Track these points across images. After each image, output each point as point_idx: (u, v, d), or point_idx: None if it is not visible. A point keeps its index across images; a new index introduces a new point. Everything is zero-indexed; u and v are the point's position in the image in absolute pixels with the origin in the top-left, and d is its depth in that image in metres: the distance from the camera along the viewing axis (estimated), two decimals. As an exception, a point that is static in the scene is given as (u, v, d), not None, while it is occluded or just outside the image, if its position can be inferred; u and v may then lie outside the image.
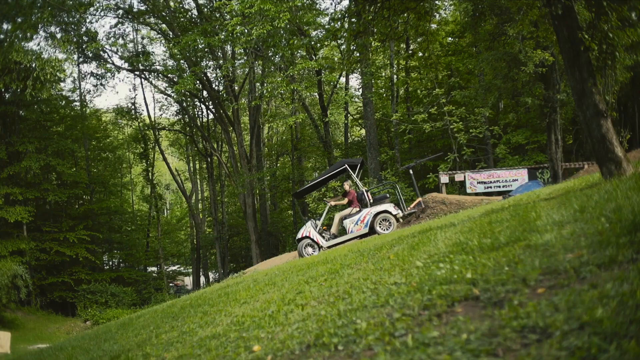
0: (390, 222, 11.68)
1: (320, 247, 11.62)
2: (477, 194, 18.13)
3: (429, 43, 20.72)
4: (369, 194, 12.25)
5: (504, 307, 2.18)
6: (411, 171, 14.60)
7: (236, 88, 27.75)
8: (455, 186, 20.67)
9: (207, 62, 27.96)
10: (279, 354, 2.52)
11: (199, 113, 34.47)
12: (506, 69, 17.16)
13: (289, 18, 19.17)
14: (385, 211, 11.69)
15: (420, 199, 13.27)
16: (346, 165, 12.41)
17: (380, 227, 11.54)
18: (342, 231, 11.90)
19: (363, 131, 30.46)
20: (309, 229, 11.85)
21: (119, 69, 30.13)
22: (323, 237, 11.79)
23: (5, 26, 23.66)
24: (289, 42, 22.73)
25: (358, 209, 11.91)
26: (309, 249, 11.62)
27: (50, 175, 29.65)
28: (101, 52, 28.41)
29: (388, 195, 13.05)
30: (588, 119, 5.45)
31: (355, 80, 33.12)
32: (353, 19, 8.28)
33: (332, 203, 12.69)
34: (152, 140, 34.16)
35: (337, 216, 12.10)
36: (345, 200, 12.22)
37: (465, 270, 2.85)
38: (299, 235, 12.00)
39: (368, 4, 6.94)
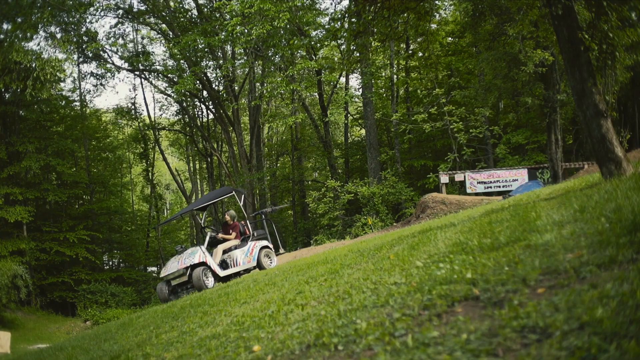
0: (271, 259, 11.23)
1: (215, 276, 10.29)
2: (477, 194, 18.14)
3: (429, 43, 20.74)
4: (249, 226, 11.56)
5: (504, 307, 2.18)
6: (264, 216, 12.61)
7: (236, 88, 27.75)
8: (455, 186, 20.68)
9: (207, 62, 27.97)
10: (279, 354, 2.52)
11: (199, 113, 34.47)
12: (506, 69, 17.17)
13: (289, 18, 19.18)
14: (267, 246, 11.30)
15: (282, 251, 12.40)
16: (234, 192, 11.78)
17: (265, 261, 10.98)
18: (223, 263, 10.73)
19: (363, 131, 30.46)
20: (204, 255, 10.27)
21: (119, 69, 30.14)
22: (217, 265, 10.51)
23: (5, 26, 23.67)
24: (289, 42, 22.73)
25: (239, 241, 11.10)
26: (205, 279, 10.04)
27: (50, 175, 29.64)
28: (101, 52, 28.40)
29: (265, 231, 11.93)
30: (588, 119, 5.45)
31: (355, 80, 33.13)
32: (353, 19, 8.28)
33: (220, 236, 11.26)
34: (152, 140, 34.14)
35: (220, 247, 10.84)
36: (233, 235, 11.19)
37: (465, 270, 2.85)
38: (193, 260, 10.06)
39: (368, 4, 6.94)
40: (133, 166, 38.70)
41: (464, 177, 18.62)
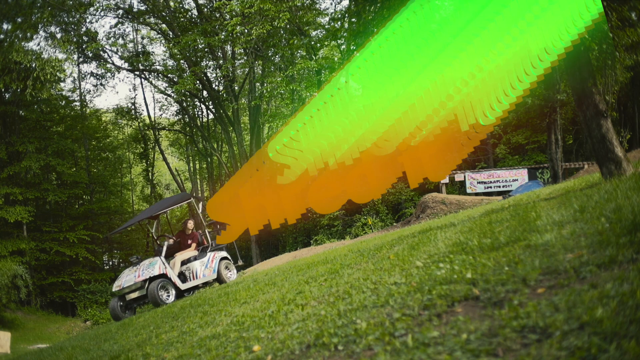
0: (231, 271, 10.62)
1: (176, 289, 9.53)
2: (477, 194, 18.14)
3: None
4: (208, 236, 10.88)
5: (504, 307, 2.18)
6: (218, 226, 11.54)
7: (236, 88, 27.75)
8: (455, 186, 20.68)
9: (207, 62, 27.98)
10: (279, 354, 2.52)
11: (199, 113, 34.47)
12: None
13: (289, 18, 19.18)
14: (227, 258, 10.65)
15: (240, 262, 11.69)
16: (192, 199, 11.01)
17: (225, 274, 10.35)
18: (181, 275, 9.95)
19: (363, 131, 30.40)
20: (165, 266, 9.47)
21: (119, 69, 30.15)
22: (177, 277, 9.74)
23: (5, 26, 23.68)
24: (289, 42, 22.74)
25: (197, 252, 10.43)
26: (163, 293, 9.29)
27: (50, 175, 29.65)
28: (101, 52, 28.42)
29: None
30: (588, 119, 5.45)
31: (355, 80, 33.04)
32: (353, 19, 8.29)
33: (186, 252, 10.46)
34: (152, 140, 34.14)
35: (178, 258, 10.03)
36: (194, 246, 10.47)
37: (465, 270, 2.85)
38: (153, 272, 9.26)
39: (368, 4, 6.95)
40: (133, 166, 38.69)
41: (464, 177, 18.62)
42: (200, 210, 11.10)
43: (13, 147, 25.61)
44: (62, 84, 30.15)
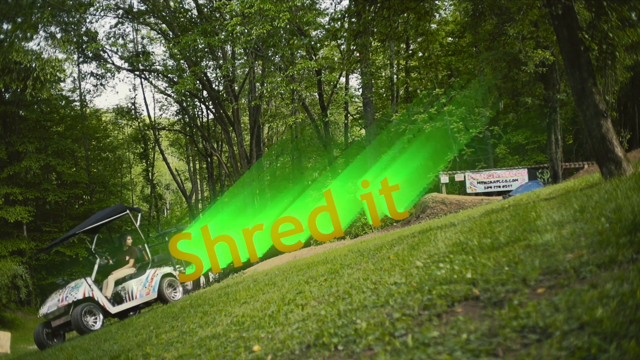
0: (176, 288, 9.72)
1: (105, 314, 8.72)
2: (477, 194, 18.14)
3: (429, 43, 20.74)
4: (148, 250, 10.01)
5: (504, 307, 2.18)
6: (167, 238, 11.11)
7: (236, 88, 27.75)
8: (455, 186, 20.68)
9: (207, 62, 27.97)
10: (279, 354, 2.52)
11: (199, 113, 34.48)
12: (506, 69, 17.17)
13: (289, 18, 19.18)
14: (171, 274, 9.73)
15: (178, 272, 10.53)
16: (128, 211, 9.89)
17: (168, 293, 9.46)
18: (117, 296, 9.13)
19: (363, 131, 30.45)
20: (91, 288, 8.61)
21: (119, 69, 30.14)
22: (108, 300, 8.86)
23: (5, 26, 23.69)
24: (289, 42, 22.74)
25: (135, 269, 9.59)
26: (90, 319, 8.41)
27: (50, 175, 29.66)
28: (101, 52, 28.40)
29: (168, 256, 10.49)
30: (588, 119, 5.45)
31: (355, 80, 33.11)
32: (353, 19, 8.29)
33: (127, 269, 9.56)
34: (152, 140, 34.15)
35: (112, 277, 9.17)
36: (131, 262, 9.57)
37: (465, 270, 2.85)
38: (77, 295, 8.42)
39: (368, 4, 6.94)
40: (133, 166, 38.71)
41: (464, 177, 18.62)
42: (138, 223, 10.05)
43: (13, 147, 25.62)
44: (62, 84, 30.19)
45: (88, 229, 9.64)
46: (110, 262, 9.61)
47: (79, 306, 8.31)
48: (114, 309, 8.82)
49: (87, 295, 8.49)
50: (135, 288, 9.16)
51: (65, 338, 8.86)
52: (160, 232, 11.83)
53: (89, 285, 8.63)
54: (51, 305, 8.58)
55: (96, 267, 9.15)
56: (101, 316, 8.55)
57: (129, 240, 9.99)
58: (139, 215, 10.33)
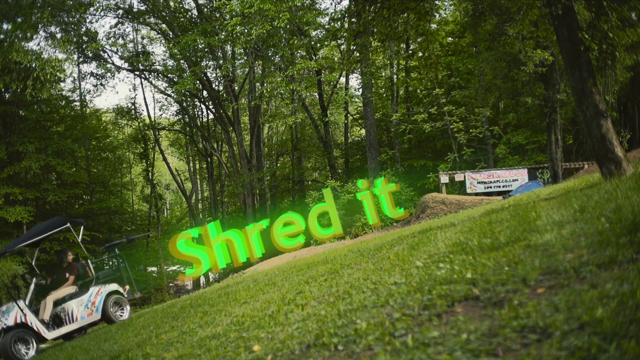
0: (123, 307, 9.11)
1: (39, 339, 7.95)
2: (477, 194, 18.13)
3: (429, 43, 20.70)
4: (91, 266, 9.32)
5: (504, 307, 2.18)
6: (117, 250, 10.48)
7: (236, 88, 27.75)
8: (455, 186, 20.67)
9: (207, 62, 27.97)
10: (279, 354, 2.52)
11: (199, 113, 34.49)
12: (506, 69, 17.16)
13: (289, 18, 19.17)
14: (117, 292, 9.08)
15: (127, 287, 9.75)
16: (69, 224, 8.93)
17: (114, 312, 8.87)
18: (56, 318, 8.40)
19: (363, 131, 30.46)
20: (23, 313, 7.82)
21: (119, 69, 30.13)
22: (45, 324, 8.10)
23: (5, 26, 23.68)
24: (289, 42, 22.73)
25: (77, 288, 8.91)
26: (22, 347, 7.67)
27: (50, 175, 29.65)
28: (101, 52, 28.40)
29: (114, 272, 9.87)
30: (588, 119, 5.45)
31: (355, 80, 33.14)
32: (353, 19, 8.28)
33: (66, 289, 8.78)
34: (152, 140, 34.15)
35: (50, 298, 8.40)
36: (71, 280, 8.88)
37: (465, 270, 2.85)
38: (7, 321, 7.67)
39: (368, 4, 6.94)
40: (133, 166, 38.72)
41: (464, 177, 18.61)
42: (79, 238, 9.19)
43: (13, 147, 25.61)
44: (62, 84, 30.17)
45: (28, 243, 8.68)
46: (48, 281, 8.80)
47: (10, 334, 7.57)
48: (50, 334, 8.06)
49: (19, 321, 7.69)
50: (76, 309, 8.44)
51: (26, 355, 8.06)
52: (111, 242, 11.15)
53: (21, 310, 7.82)
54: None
55: (32, 287, 8.34)
56: (34, 344, 7.78)
57: (70, 257, 9.24)
58: (82, 227, 9.44)
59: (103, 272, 9.65)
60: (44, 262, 26.23)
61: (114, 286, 9.13)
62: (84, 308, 8.53)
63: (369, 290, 3.20)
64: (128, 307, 9.25)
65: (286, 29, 21.16)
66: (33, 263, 9.34)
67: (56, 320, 8.39)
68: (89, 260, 9.40)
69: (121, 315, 8.99)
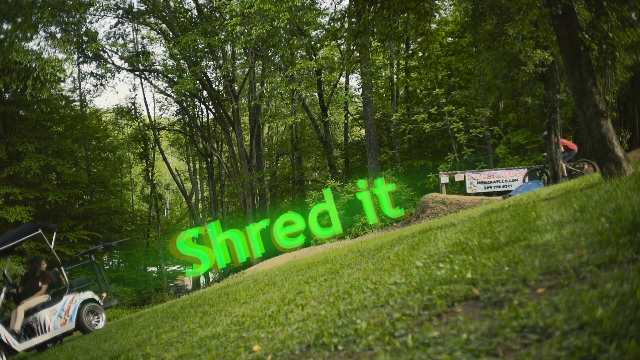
0: (99, 316, 8.83)
1: (9, 351, 7.62)
2: (477, 194, 18.13)
3: (429, 43, 20.71)
4: (64, 274, 9.01)
5: (504, 307, 2.18)
6: (92, 257, 10.08)
7: (236, 88, 27.75)
8: (455, 186, 20.66)
9: (207, 62, 27.98)
10: (279, 354, 2.52)
11: (199, 113, 34.50)
12: (506, 69, 17.14)
13: (289, 18, 19.17)
14: (93, 300, 8.80)
15: (104, 294, 9.47)
16: (40, 230, 8.61)
17: (89, 321, 8.59)
18: (28, 328, 8.08)
19: (363, 131, 30.45)
20: None
21: (119, 69, 30.14)
22: (15, 334, 7.80)
23: (5, 26, 23.68)
24: (288, 42, 22.73)
25: (49, 296, 8.62)
26: None
27: (50, 175, 29.66)
28: (101, 52, 28.40)
29: (90, 279, 9.52)
30: (588, 119, 5.45)
31: (355, 80, 33.13)
32: (353, 19, 8.28)
33: (36, 299, 8.43)
34: (152, 140, 34.16)
35: (22, 307, 8.11)
36: (44, 289, 8.62)
37: (465, 270, 2.85)
38: None
39: (368, 4, 6.94)
40: (133, 166, 38.73)
41: (464, 177, 18.60)
42: (52, 244, 8.91)
43: (13, 147, 25.61)
44: (62, 84, 30.18)
45: (1, 250, 8.29)
46: (19, 289, 8.56)
47: None
48: (20, 346, 7.68)
49: None
50: (49, 318, 8.14)
51: None
52: (87, 249, 10.69)
53: None
54: None
55: (2, 296, 8.09)
56: (4, 356, 7.47)
57: (44, 265, 8.96)
58: (54, 233, 9.11)
59: (77, 279, 9.34)
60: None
61: (88, 294, 8.84)
62: (57, 317, 8.23)
63: (369, 290, 3.20)
64: (104, 316, 8.94)
65: (286, 29, 21.15)
66: (5, 272, 9.02)
67: (28, 331, 8.07)
68: (62, 268, 9.04)
69: (96, 324, 8.70)
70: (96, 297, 8.96)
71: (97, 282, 9.69)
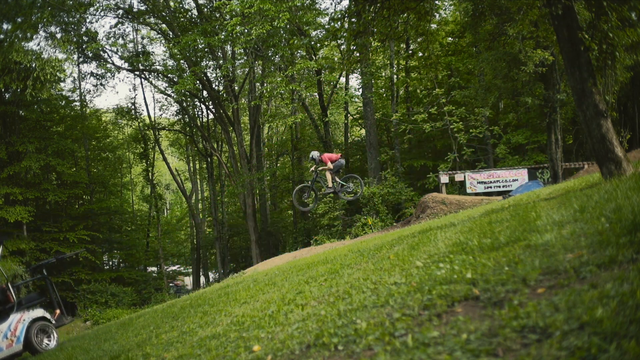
0: (50, 335, 8.25)
1: None
2: (477, 194, 18.13)
3: (429, 43, 20.68)
4: (12, 290, 8.47)
5: (504, 307, 2.18)
6: (45, 271, 9.68)
7: (236, 88, 27.75)
8: (455, 186, 20.67)
9: (207, 62, 27.97)
10: (279, 354, 2.52)
11: (199, 113, 34.49)
12: (506, 69, 17.15)
13: (289, 18, 19.17)
14: (43, 318, 8.27)
15: (58, 311, 8.97)
16: None
17: (39, 341, 7.99)
18: None
19: (363, 131, 30.45)
20: None
21: (119, 69, 30.14)
22: None
23: (5, 26, 23.67)
24: (288, 42, 22.73)
25: None
26: None
27: (50, 175, 29.64)
28: (101, 52, 28.40)
29: (41, 296, 9.08)
30: (588, 119, 5.45)
31: (355, 80, 33.13)
32: (353, 19, 8.28)
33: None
34: (152, 140, 34.16)
35: None
36: None
37: (465, 270, 2.85)
38: None
39: (368, 4, 6.94)
40: (133, 166, 38.72)
41: (464, 177, 18.60)
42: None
43: (13, 147, 25.60)
44: (62, 84, 30.15)
45: None
46: None
47: None
48: None
49: None
50: None
51: None
52: (38, 263, 10.02)
53: None
54: None
55: None
56: None
57: None
58: (1, 245, 8.53)
59: (27, 296, 8.81)
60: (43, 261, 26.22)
61: (39, 312, 8.29)
62: (2, 338, 7.66)
63: (369, 290, 3.20)
64: (56, 335, 8.32)
65: (286, 29, 21.16)
66: None
67: None
68: (9, 284, 8.46)
69: (48, 345, 8.09)
70: (47, 315, 8.42)
71: (50, 299, 9.03)
